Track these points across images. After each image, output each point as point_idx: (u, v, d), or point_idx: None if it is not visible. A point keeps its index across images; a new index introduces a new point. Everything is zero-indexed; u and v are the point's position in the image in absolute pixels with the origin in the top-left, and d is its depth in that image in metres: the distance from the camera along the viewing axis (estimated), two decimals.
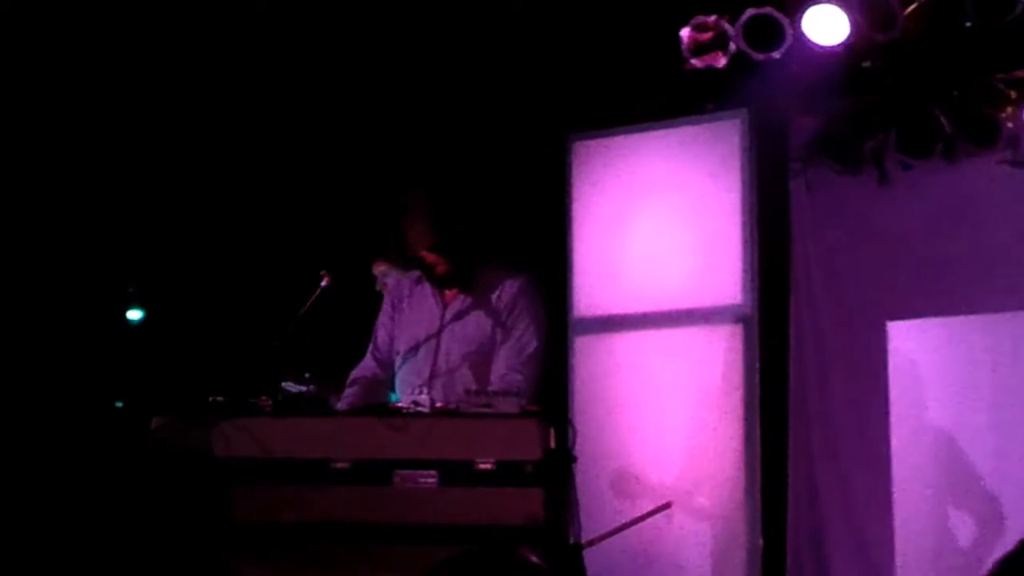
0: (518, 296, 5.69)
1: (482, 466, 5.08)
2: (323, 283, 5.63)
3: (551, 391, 6.03)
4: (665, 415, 6.50)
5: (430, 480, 5.10)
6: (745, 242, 6.45)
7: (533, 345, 5.67)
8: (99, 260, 6.93)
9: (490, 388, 5.51)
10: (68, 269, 7.05)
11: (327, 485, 5.13)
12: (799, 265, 6.48)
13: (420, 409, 5.25)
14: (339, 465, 5.14)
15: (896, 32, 5.94)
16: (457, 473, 5.08)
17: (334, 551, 5.11)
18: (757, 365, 6.38)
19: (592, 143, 6.82)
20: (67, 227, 7.05)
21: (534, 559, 4.77)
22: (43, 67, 6.65)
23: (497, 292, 5.70)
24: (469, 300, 5.72)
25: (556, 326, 6.72)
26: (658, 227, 6.65)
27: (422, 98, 6.91)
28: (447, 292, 5.77)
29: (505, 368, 5.61)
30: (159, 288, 6.53)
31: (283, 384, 5.62)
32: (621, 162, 6.76)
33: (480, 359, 5.64)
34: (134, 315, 6.07)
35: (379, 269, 6.27)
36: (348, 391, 5.75)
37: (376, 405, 5.48)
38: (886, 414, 6.20)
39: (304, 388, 5.64)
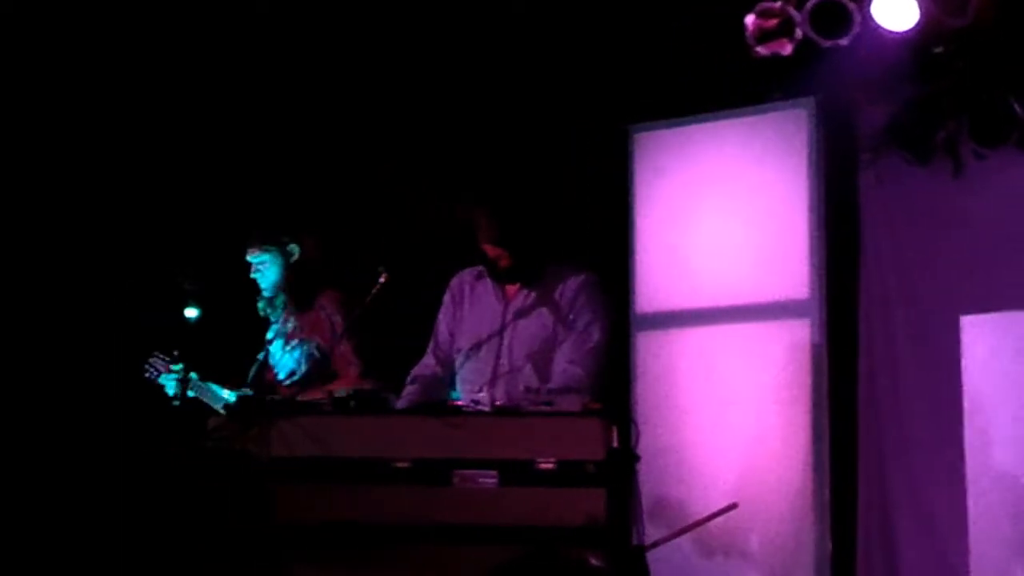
0: (580, 291, 5.59)
1: (543, 466, 4.99)
2: (381, 279, 5.54)
3: (613, 388, 5.92)
4: (730, 413, 6.41)
5: (490, 480, 5.01)
6: (813, 235, 6.35)
7: (595, 339, 5.56)
8: (155, 257, 6.90)
9: (551, 384, 5.41)
10: (124, 267, 7.04)
11: (386, 485, 5.04)
12: (869, 258, 6.35)
13: (480, 408, 5.15)
14: (399, 464, 5.05)
15: (968, 17, 5.79)
16: (517, 473, 5.01)
17: (392, 551, 5.04)
18: (825, 362, 6.27)
19: (654, 135, 6.74)
20: (122, 224, 7.04)
21: (594, 561, 4.68)
22: (84, 65, 6.66)
23: (560, 288, 5.60)
24: (532, 296, 5.62)
25: (618, 322, 6.64)
26: (723, 220, 6.57)
27: (483, 92, 6.83)
28: (508, 288, 5.67)
29: (566, 362, 5.51)
30: (216, 285, 6.47)
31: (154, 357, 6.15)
32: (684, 154, 6.67)
33: (543, 357, 5.54)
34: (191, 313, 6.00)
35: (253, 254, 6.29)
36: (408, 389, 5.68)
37: (436, 403, 5.38)
38: (959, 411, 6.04)
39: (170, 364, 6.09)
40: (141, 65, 6.79)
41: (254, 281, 6.40)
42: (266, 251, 6.35)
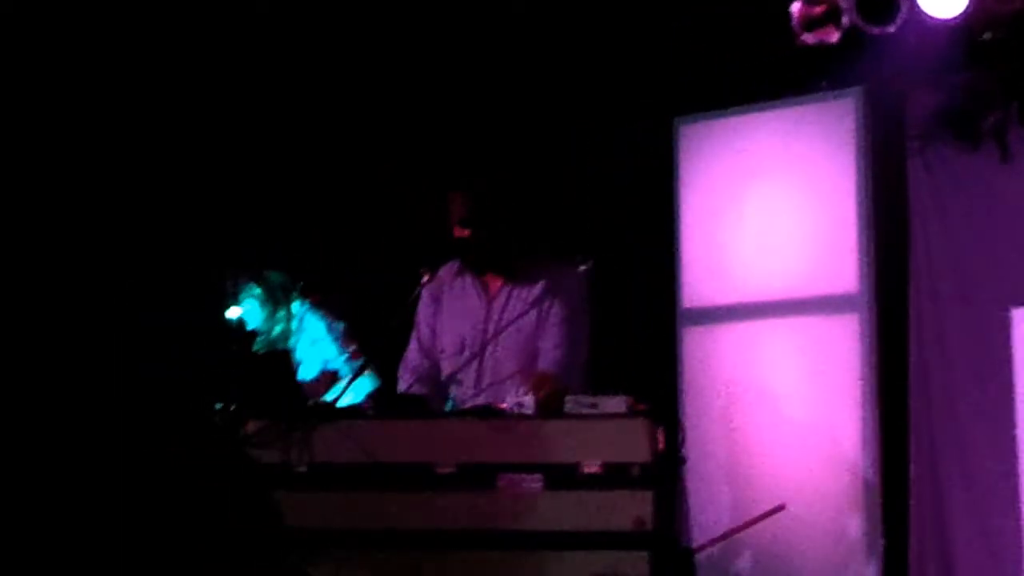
0: (563, 282, 5.46)
1: (589, 469, 4.92)
2: (424, 280, 5.49)
3: (659, 387, 5.86)
4: (778, 410, 6.36)
5: (535, 484, 4.95)
6: (861, 226, 6.29)
7: (579, 328, 5.44)
8: (197, 256, 6.88)
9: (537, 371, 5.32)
10: (164, 265, 7.03)
11: (430, 490, 4.99)
12: (918, 249, 6.28)
13: (524, 411, 5.09)
14: (443, 469, 5.00)
15: (1018, 2, 5.73)
16: (563, 476, 4.92)
17: (437, 557, 4.99)
18: (875, 356, 6.21)
19: (699, 126, 6.69)
20: (162, 223, 7.03)
21: None
22: (84, 64, 6.66)
23: (544, 280, 5.47)
24: (514, 294, 5.51)
25: (664, 317, 6.61)
26: (769, 212, 6.52)
27: (527, 84, 6.77)
28: (491, 285, 5.55)
29: (550, 347, 5.40)
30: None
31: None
32: (730, 145, 6.62)
33: (529, 359, 5.44)
34: (233, 314, 5.98)
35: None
36: (419, 388, 5.57)
37: (479, 407, 5.33)
38: (1011, 405, 5.96)
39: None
40: (141, 63, 6.76)
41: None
42: (238, 301, 6.34)
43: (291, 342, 6.42)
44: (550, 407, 5.04)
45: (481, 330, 5.49)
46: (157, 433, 5.66)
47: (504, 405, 5.18)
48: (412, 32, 6.69)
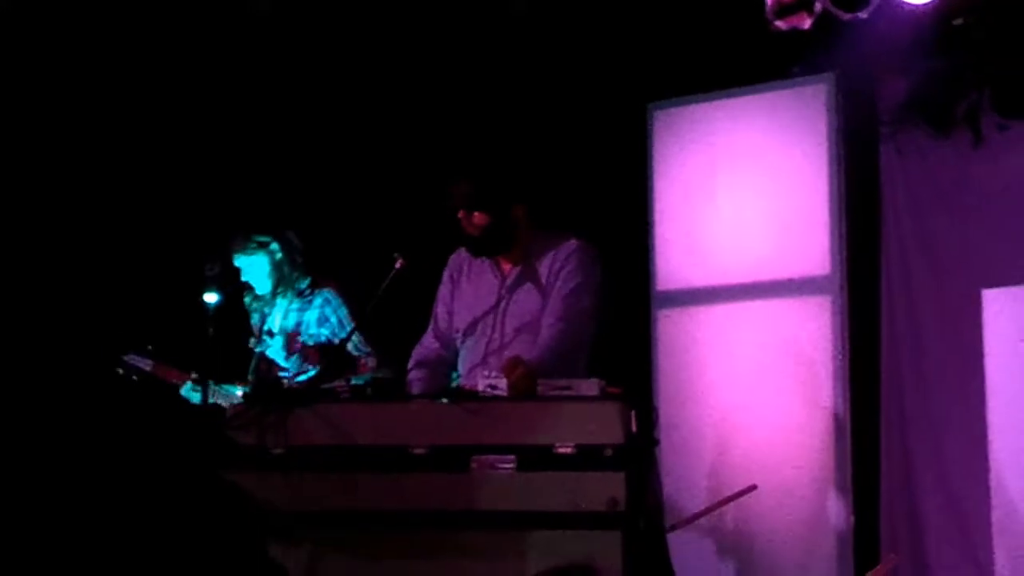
0: (570, 257, 5.48)
1: (561, 450, 4.93)
2: (397, 265, 5.52)
3: (633, 368, 5.89)
4: (751, 390, 6.40)
5: (508, 465, 4.98)
6: (833, 210, 6.33)
7: (583, 303, 5.44)
8: (176, 241, 6.92)
9: (535, 349, 5.35)
10: (144, 250, 7.06)
11: (404, 471, 5.03)
12: (890, 233, 6.33)
13: (497, 392, 5.12)
14: (416, 451, 5.04)
15: None
16: (536, 458, 4.93)
17: (410, 538, 5.02)
18: (847, 338, 6.25)
19: (673, 111, 6.72)
20: (145, 206, 7.06)
21: None
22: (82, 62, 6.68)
23: (551, 257, 5.51)
24: (524, 272, 5.54)
25: (638, 300, 6.65)
26: (743, 197, 6.55)
27: (499, 70, 6.78)
28: (504, 264, 5.60)
29: (551, 320, 5.40)
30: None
31: (125, 357, 6.27)
32: (703, 130, 6.65)
33: (535, 331, 5.47)
34: (211, 298, 5.98)
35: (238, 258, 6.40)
36: (415, 373, 5.61)
37: (453, 389, 5.36)
38: (982, 386, 6.02)
39: (148, 361, 6.25)
40: (140, 60, 6.79)
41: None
42: (249, 253, 6.38)
43: (269, 312, 6.46)
44: (523, 389, 5.08)
45: (492, 309, 5.54)
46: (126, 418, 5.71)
47: (478, 387, 5.22)
48: (391, 29, 6.72)
